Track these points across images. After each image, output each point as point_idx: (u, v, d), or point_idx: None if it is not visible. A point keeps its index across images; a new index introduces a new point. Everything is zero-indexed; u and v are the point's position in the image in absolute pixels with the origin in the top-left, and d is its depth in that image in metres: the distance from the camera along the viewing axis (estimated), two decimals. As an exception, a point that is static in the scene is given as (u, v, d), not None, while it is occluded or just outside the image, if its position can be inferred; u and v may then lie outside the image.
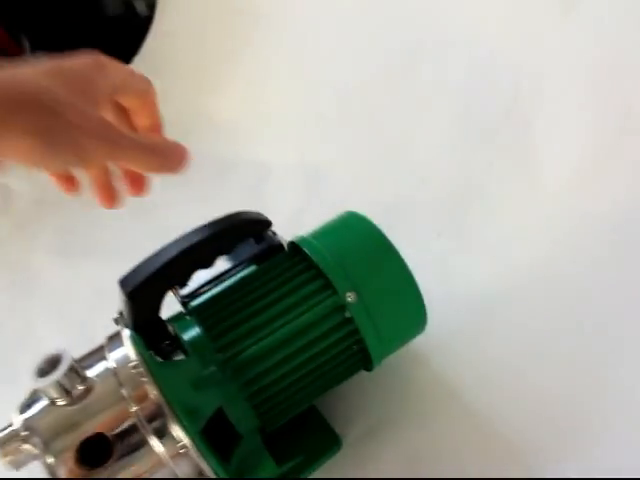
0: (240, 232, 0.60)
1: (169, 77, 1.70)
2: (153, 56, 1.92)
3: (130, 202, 1.22)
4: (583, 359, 0.66)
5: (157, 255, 0.56)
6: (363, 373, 0.68)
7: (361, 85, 1.09)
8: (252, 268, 0.66)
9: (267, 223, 0.62)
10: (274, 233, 0.69)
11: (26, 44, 2.53)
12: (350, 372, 0.65)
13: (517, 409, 0.64)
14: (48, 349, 0.56)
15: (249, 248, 0.68)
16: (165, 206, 1.19)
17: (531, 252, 0.77)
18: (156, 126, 0.63)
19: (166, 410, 0.52)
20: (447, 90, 0.96)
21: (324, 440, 0.67)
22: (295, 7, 1.35)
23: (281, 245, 0.67)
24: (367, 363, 0.64)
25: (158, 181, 1.23)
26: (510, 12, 0.93)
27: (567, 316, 0.70)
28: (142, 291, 0.54)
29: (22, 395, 0.89)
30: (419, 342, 0.70)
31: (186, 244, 0.56)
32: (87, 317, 1.02)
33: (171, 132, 1.40)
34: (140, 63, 2.00)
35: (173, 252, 0.55)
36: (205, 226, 0.58)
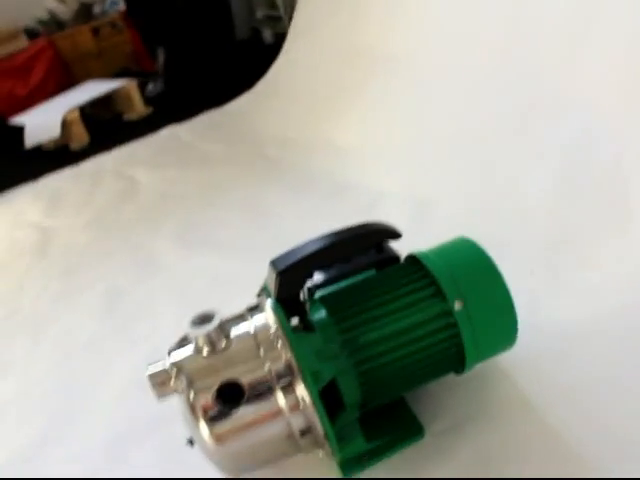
0: (380, 235, 0.72)
1: (291, 101, 1.87)
2: (277, 80, 2.10)
3: (248, 207, 1.36)
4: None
5: (307, 244, 0.68)
6: (452, 376, 0.78)
7: (475, 131, 1.20)
8: (371, 272, 0.77)
9: (399, 234, 0.73)
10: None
11: (161, 57, 2.76)
12: (443, 371, 0.74)
13: (589, 430, 0.71)
14: (204, 309, 0.67)
15: (367, 256, 0.79)
16: (281, 216, 1.33)
17: (616, 299, 0.85)
18: None
19: (295, 370, 0.63)
20: (555, 147, 1.06)
21: (409, 428, 0.77)
22: (420, 50, 1.47)
23: (398, 257, 0.78)
24: (459, 367, 0.73)
25: (276, 196, 1.39)
26: (624, 84, 1.01)
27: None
28: (290, 271, 0.66)
29: (137, 357, 1.03)
30: (505, 357, 0.79)
31: (335, 239, 0.68)
32: (203, 300, 1.14)
33: (292, 151, 1.55)
34: (264, 86, 2.18)
35: (322, 244, 0.67)
36: (352, 227, 0.70)
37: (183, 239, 1.38)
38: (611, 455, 0.69)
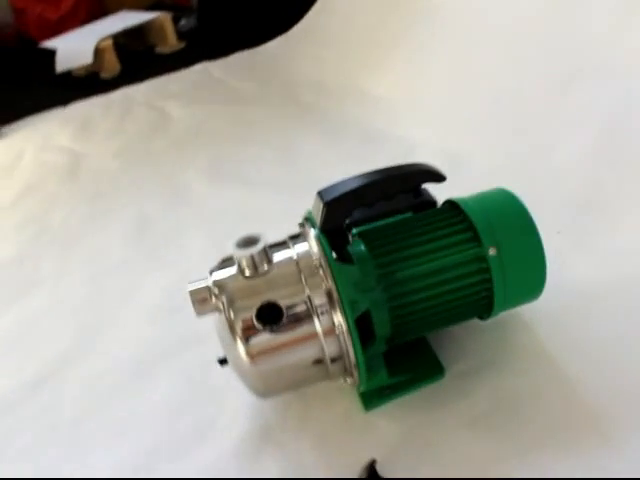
0: (428, 176, 0.74)
1: (326, 47, 1.86)
2: (314, 27, 2.09)
3: (280, 147, 1.38)
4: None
5: (355, 178, 0.70)
6: (476, 321, 0.81)
7: (515, 90, 1.21)
8: (408, 215, 0.79)
9: (444, 177, 0.75)
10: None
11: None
12: (470, 315, 0.77)
13: (603, 384, 0.74)
14: (249, 232, 0.70)
15: (405, 199, 0.81)
16: (311, 158, 1.35)
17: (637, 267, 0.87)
18: None
19: (334, 297, 0.66)
20: (596, 113, 1.07)
21: (430, 368, 0.80)
22: (465, 2, 1.45)
23: (435, 202, 0.81)
24: (485, 313, 0.76)
25: (308, 139, 1.40)
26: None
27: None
28: (337, 203, 0.68)
29: (166, 281, 1.07)
30: (527, 310, 0.83)
31: (384, 175, 0.70)
32: (230, 232, 1.16)
33: (325, 97, 1.56)
34: (300, 30, 2.17)
35: (372, 178, 0.69)
36: (401, 165, 0.72)
37: (213, 173, 1.40)
38: (621, 409, 0.72)
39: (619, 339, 0.80)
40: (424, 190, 0.82)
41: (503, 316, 0.81)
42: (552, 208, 1.00)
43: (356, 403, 0.78)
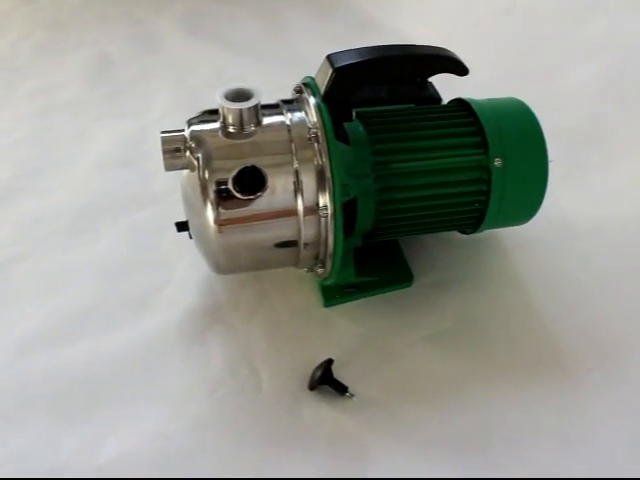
0: (451, 63, 0.66)
1: None
2: None
3: (266, 14, 1.26)
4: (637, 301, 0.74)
5: (374, 48, 0.62)
6: (454, 234, 0.77)
7: (530, 7, 1.13)
8: (413, 105, 0.72)
9: (467, 70, 0.67)
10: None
11: None
12: (456, 225, 0.72)
13: (570, 321, 0.72)
14: (242, 84, 0.61)
15: (409, 89, 0.73)
16: (298, 32, 1.25)
17: (631, 206, 0.84)
18: None
19: (327, 176, 0.59)
20: (616, 43, 1.01)
21: (399, 273, 0.76)
22: None
23: (440, 99, 0.73)
24: (472, 226, 0.71)
25: (299, 11, 1.28)
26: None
27: (637, 268, 0.78)
28: (349, 71, 0.60)
29: (122, 131, 0.97)
30: (508, 235, 0.79)
31: (403, 52, 0.62)
32: (200, 90, 1.07)
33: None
34: None
35: (392, 52, 0.61)
36: (424, 45, 0.64)
37: (189, 25, 1.27)
38: (584, 346, 0.70)
39: (594, 279, 0.77)
40: (431, 84, 0.74)
41: (481, 236, 0.77)
42: (548, 134, 0.93)
43: (316, 297, 0.73)
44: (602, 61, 1.02)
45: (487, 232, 0.76)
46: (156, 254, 0.78)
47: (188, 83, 1.10)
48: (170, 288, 0.75)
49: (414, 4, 1.27)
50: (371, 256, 0.74)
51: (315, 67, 0.66)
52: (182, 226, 0.67)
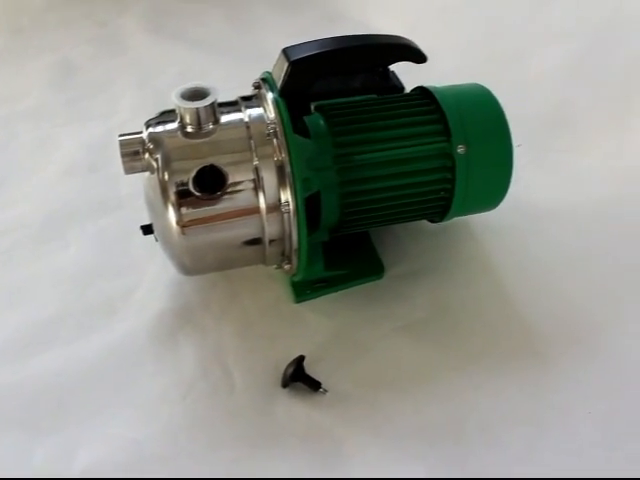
0: (408, 51, 0.66)
1: None
2: None
3: (233, 11, 1.25)
4: (610, 282, 0.74)
5: (328, 40, 0.61)
6: (424, 224, 0.76)
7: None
8: (374, 96, 0.71)
9: (425, 58, 0.66)
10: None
11: None
12: (423, 215, 0.72)
13: (541, 304, 0.72)
14: (198, 83, 0.60)
15: (370, 80, 0.73)
16: (265, 29, 1.24)
17: (597, 188, 0.85)
18: None
19: (286, 171, 0.58)
20: (581, 26, 1.02)
21: (370, 266, 0.75)
22: None
23: (403, 88, 0.73)
24: (439, 215, 0.71)
25: (265, 6, 1.27)
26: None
27: (607, 247, 0.78)
28: (304, 63, 0.59)
29: (87, 136, 0.96)
30: (476, 221, 0.79)
31: (359, 42, 0.61)
32: (166, 90, 1.05)
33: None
34: None
35: (347, 43, 0.60)
36: (380, 35, 0.63)
37: (154, 24, 1.25)
38: (556, 329, 0.70)
39: (564, 262, 0.77)
40: (392, 73, 0.73)
41: (451, 224, 0.76)
42: (516, 120, 0.93)
43: (286, 293, 0.72)
44: (568, 45, 1.02)
45: (457, 219, 0.76)
46: (125, 258, 0.77)
47: (153, 84, 1.08)
48: (140, 292, 0.74)
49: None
50: (341, 249, 0.74)
51: (282, 61, 0.65)
52: (147, 229, 0.66)
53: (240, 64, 1.07)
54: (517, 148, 0.89)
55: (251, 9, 1.29)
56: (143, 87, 1.08)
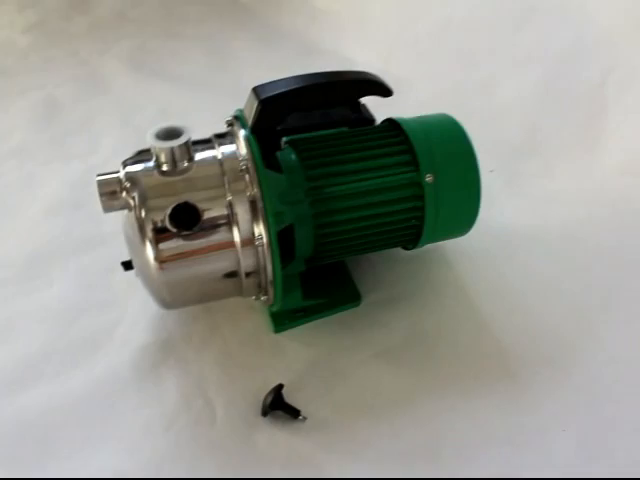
0: (375, 86, 0.68)
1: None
2: None
3: (212, 47, 1.28)
4: (580, 304, 0.76)
5: (296, 77, 0.63)
6: (399, 251, 0.78)
7: (465, 21, 1.16)
8: (345, 129, 0.74)
9: (391, 91, 0.69)
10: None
11: None
12: (396, 242, 0.74)
13: (514, 326, 0.74)
14: (172, 123, 0.63)
15: (342, 112, 0.75)
16: (244, 64, 1.27)
17: (567, 211, 0.87)
18: None
19: (258, 206, 0.60)
20: (546, 52, 1.04)
21: (347, 294, 0.77)
22: None
23: (373, 119, 0.75)
24: (412, 242, 0.73)
25: (242, 42, 1.30)
26: (628, 8, 0.99)
27: (577, 270, 0.80)
28: (274, 102, 0.62)
29: (71, 174, 0.98)
30: (450, 246, 0.81)
31: (329, 78, 0.63)
32: (146, 130, 1.08)
33: (263, 2, 1.45)
34: None
35: (314, 80, 0.63)
36: (347, 71, 0.66)
37: (135, 63, 1.28)
38: (529, 351, 0.72)
39: (536, 284, 0.79)
40: (363, 106, 0.76)
41: (426, 250, 0.78)
42: (489, 145, 0.96)
43: (266, 323, 0.74)
44: (535, 71, 1.05)
45: (431, 246, 0.78)
46: (107, 294, 0.79)
47: (135, 121, 1.11)
48: (122, 327, 0.75)
49: (355, 27, 1.30)
50: (318, 278, 0.76)
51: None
52: (128, 265, 0.68)
53: (220, 99, 1.08)
54: (490, 173, 0.92)
55: (229, 45, 1.32)
56: (125, 125, 1.10)
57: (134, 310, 0.77)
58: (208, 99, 1.13)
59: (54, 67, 1.29)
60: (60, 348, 0.74)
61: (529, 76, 1.05)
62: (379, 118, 0.76)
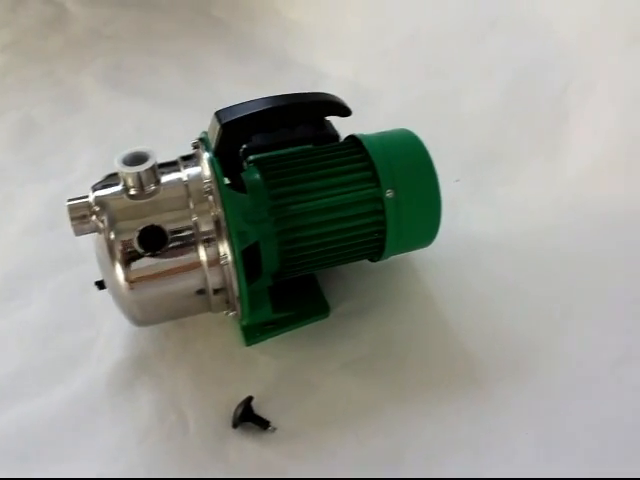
0: (334, 107, 0.71)
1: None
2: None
3: (186, 62, 1.30)
4: (544, 309, 0.79)
5: (257, 101, 0.66)
6: (366, 262, 0.80)
7: (432, 34, 1.19)
8: (308, 147, 0.76)
9: (350, 111, 0.71)
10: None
11: None
12: (361, 256, 0.76)
13: (480, 334, 0.76)
14: (137, 147, 0.65)
15: (306, 130, 0.78)
16: (219, 78, 1.29)
17: (532, 219, 0.90)
18: None
19: (222, 226, 0.62)
20: (510, 63, 1.08)
21: (316, 306, 0.79)
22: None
23: (337, 135, 0.78)
24: (376, 254, 0.75)
25: (216, 57, 1.32)
26: (589, 19, 1.02)
27: (542, 278, 0.83)
28: (235, 126, 0.64)
29: (48, 194, 1.00)
30: (417, 255, 0.83)
31: (288, 101, 0.66)
32: (124, 146, 1.09)
33: (239, 16, 1.47)
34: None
35: (274, 103, 0.65)
36: (306, 93, 0.68)
37: (111, 81, 1.30)
38: (495, 358, 0.74)
39: (501, 291, 0.81)
40: (327, 123, 0.79)
41: (393, 260, 0.80)
42: (454, 155, 1.00)
43: (237, 336, 0.76)
44: (499, 80, 1.08)
45: (398, 255, 0.80)
46: (83, 312, 0.81)
47: (111, 140, 1.12)
48: (98, 344, 0.77)
49: (326, 39, 1.32)
50: (288, 291, 0.78)
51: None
52: (101, 284, 0.70)
53: (195, 115, 1.10)
54: (456, 183, 0.95)
55: (204, 60, 1.34)
56: (101, 143, 1.12)
57: (109, 327, 0.78)
58: (184, 115, 1.15)
59: (30, 87, 1.30)
60: (38, 366, 0.75)
61: (494, 86, 1.07)
62: (350, 129, 0.78)
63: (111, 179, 0.67)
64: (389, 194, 0.69)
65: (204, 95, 1.23)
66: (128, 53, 1.39)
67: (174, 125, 1.13)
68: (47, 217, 0.97)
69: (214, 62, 1.34)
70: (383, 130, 0.77)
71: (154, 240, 0.63)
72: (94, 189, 0.66)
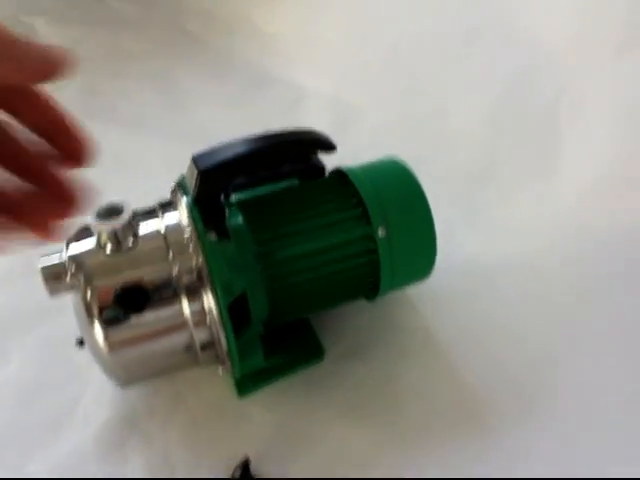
0: (316, 145, 0.66)
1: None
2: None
3: (161, 83, 1.25)
4: (549, 341, 0.75)
5: (236, 144, 0.61)
6: (361, 301, 0.76)
7: (415, 47, 1.15)
8: (294, 182, 0.72)
9: (334, 147, 0.68)
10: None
11: None
12: (355, 296, 0.72)
13: (486, 369, 0.73)
14: (111, 198, 0.61)
15: (292, 163, 0.74)
16: (197, 99, 1.24)
17: (529, 241, 0.86)
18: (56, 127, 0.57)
19: (205, 279, 0.59)
20: (496, 77, 1.03)
21: (310, 349, 0.75)
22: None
23: (324, 168, 0.74)
24: (372, 293, 0.71)
25: (193, 77, 1.28)
26: (577, 28, 0.99)
27: (544, 305, 0.79)
28: (213, 172, 0.60)
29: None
30: (415, 286, 0.78)
31: (267, 142, 0.62)
32: (100, 179, 1.05)
33: (215, 31, 1.43)
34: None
35: (253, 146, 0.61)
36: (286, 132, 0.64)
37: (82, 107, 1.23)
38: (503, 396, 0.71)
39: (505, 322, 0.78)
40: (314, 155, 0.74)
41: (391, 295, 0.76)
42: (445, 176, 0.96)
43: (230, 388, 0.72)
44: (485, 96, 1.04)
45: (395, 293, 0.77)
46: (67, 368, 0.76)
47: (88, 170, 1.07)
48: (84, 403, 0.73)
49: (306, 54, 1.28)
50: (280, 336, 0.74)
51: (214, 136, 0.65)
52: (82, 342, 0.66)
53: (175, 141, 1.07)
54: (447, 206, 0.91)
55: (181, 81, 1.29)
56: (78, 175, 1.07)
57: (95, 384, 0.74)
58: (163, 141, 1.10)
59: (2, 117, 1.25)
60: (20, 430, 0.71)
61: (482, 101, 1.03)
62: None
63: (85, 233, 0.62)
64: (381, 233, 0.66)
65: (183, 119, 1.18)
66: (99, 75, 1.33)
67: (153, 152, 1.09)
68: (23, 265, 0.92)
69: (191, 82, 1.30)
70: (369, 161, 0.73)
71: (134, 299, 0.59)
72: (68, 244, 0.62)
